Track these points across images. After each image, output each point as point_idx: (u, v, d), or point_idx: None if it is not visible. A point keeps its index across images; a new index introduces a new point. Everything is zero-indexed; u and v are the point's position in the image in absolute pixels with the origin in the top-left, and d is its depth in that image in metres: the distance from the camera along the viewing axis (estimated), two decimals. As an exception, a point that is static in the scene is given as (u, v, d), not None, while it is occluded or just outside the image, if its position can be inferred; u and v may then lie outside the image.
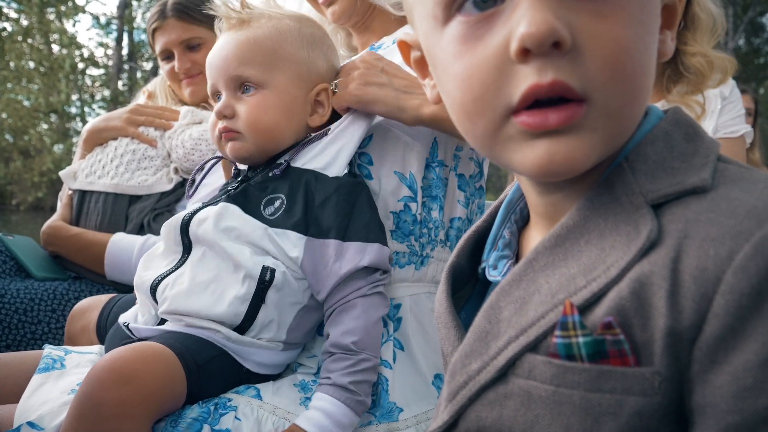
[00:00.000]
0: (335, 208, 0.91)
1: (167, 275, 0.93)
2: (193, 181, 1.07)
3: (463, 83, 0.46)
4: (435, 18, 0.48)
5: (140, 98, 1.89)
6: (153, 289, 0.92)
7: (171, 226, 0.96)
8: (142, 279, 0.95)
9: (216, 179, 1.28)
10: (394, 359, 0.97)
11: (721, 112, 1.65)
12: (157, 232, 1.49)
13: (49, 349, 0.98)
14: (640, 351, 0.41)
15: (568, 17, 0.42)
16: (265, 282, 0.88)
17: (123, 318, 0.98)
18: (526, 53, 0.42)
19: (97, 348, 1.05)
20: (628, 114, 0.45)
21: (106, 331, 1.05)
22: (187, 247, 0.95)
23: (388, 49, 1.09)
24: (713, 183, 0.44)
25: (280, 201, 0.93)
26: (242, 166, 1.03)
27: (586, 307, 0.44)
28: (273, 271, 0.89)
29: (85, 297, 1.42)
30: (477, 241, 0.62)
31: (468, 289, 0.63)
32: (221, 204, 0.93)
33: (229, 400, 0.85)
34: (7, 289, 1.37)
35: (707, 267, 0.39)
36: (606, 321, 0.42)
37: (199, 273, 0.90)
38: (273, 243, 0.90)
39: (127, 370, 0.75)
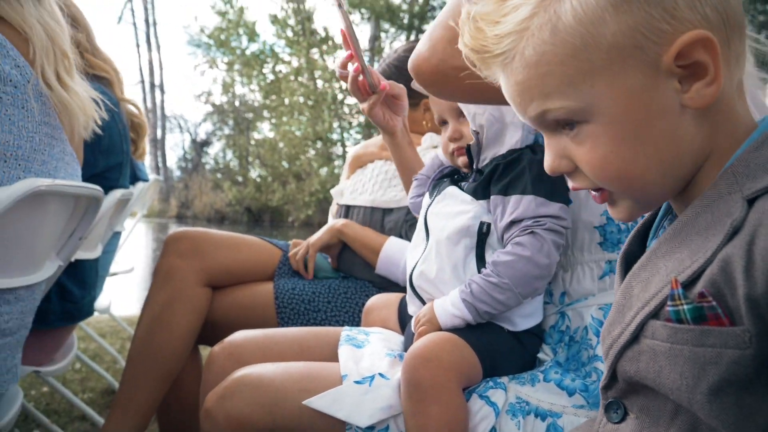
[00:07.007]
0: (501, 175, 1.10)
1: (416, 265, 1.14)
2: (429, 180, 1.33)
3: None
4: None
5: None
6: (411, 281, 1.14)
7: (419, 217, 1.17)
8: (404, 274, 1.16)
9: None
10: None
11: None
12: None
13: (347, 330, 1.25)
14: (733, 314, 0.51)
15: (566, 150, 0.63)
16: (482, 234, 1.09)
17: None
18: None
19: (389, 333, 1.29)
20: (642, 188, 0.61)
21: (405, 323, 1.29)
22: (428, 236, 1.14)
23: None
24: None
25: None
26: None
27: (689, 283, 0.54)
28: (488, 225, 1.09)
29: (352, 292, 1.75)
30: (647, 230, 0.73)
31: None
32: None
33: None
34: (296, 284, 1.77)
35: None
36: (700, 292, 0.53)
37: (437, 261, 1.10)
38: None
39: (426, 353, 0.97)
